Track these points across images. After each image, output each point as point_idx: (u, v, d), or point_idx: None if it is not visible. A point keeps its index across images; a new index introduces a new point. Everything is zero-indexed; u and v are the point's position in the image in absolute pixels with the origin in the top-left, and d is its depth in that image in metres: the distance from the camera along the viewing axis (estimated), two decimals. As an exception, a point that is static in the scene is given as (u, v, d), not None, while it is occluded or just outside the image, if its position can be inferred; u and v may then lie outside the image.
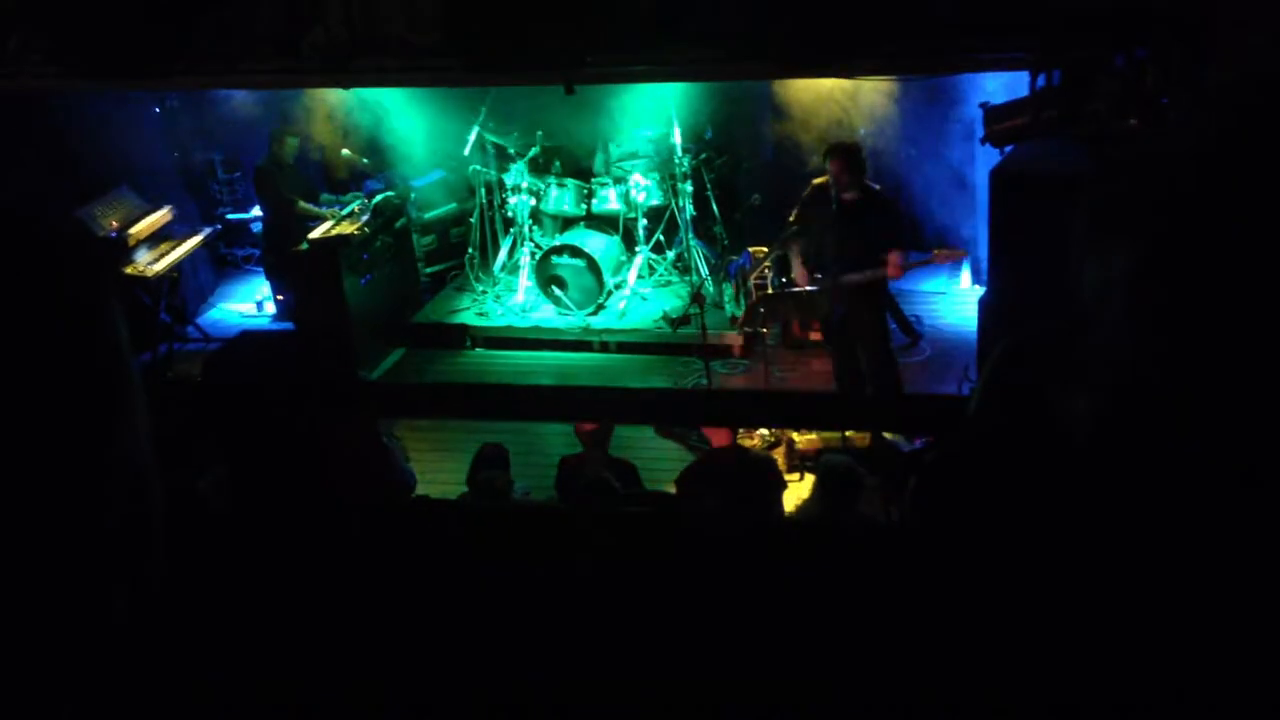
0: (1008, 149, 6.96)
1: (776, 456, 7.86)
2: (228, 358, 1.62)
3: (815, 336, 9.26)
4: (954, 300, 10.07)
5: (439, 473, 7.24)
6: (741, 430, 8.20)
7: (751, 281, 8.50)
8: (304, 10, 6.65)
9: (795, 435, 7.95)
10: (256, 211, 11.17)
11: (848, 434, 7.78)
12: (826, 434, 7.92)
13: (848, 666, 1.24)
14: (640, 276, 10.31)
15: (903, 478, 6.71)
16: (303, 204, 10.25)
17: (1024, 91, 6.61)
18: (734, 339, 9.53)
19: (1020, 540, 0.83)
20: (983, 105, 6.65)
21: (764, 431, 8.19)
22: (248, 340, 1.72)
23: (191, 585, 1.18)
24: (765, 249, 8.34)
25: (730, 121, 10.75)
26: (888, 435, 7.52)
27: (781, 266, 8.28)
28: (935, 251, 7.53)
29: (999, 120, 6.34)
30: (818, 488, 6.16)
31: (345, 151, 10.79)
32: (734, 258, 8.89)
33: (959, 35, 6.02)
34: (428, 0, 6.74)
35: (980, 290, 9.82)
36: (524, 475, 7.10)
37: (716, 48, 6.39)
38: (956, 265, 9.88)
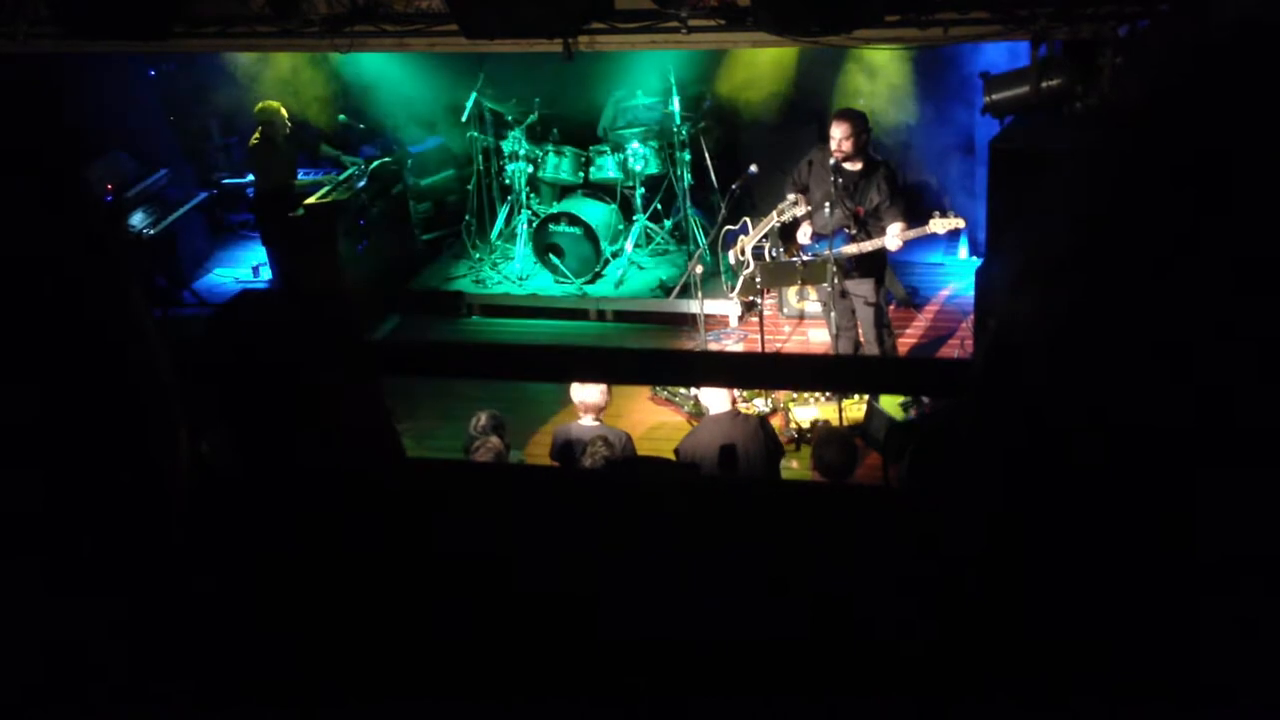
0: (1008, 119, 6.93)
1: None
2: (228, 317, 1.62)
3: (813, 305, 9.26)
4: (952, 271, 10.07)
5: (437, 439, 7.26)
6: (737, 399, 8.22)
7: (749, 250, 8.48)
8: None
9: (791, 405, 7.97)
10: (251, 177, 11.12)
11: (844, 404, 7.80)
12: (822, 406, 7.93)
13: (844, 630, 1.25)
14: (637, 245, 10.30)
15: (900, 446, 6.74)
16: (299, 180, 10.19)
17: (1026, 61, 6.58)
18: (731, 308, 9.54)
19: (1013, 510, 0.83)
20: (983, 75, 6.62)
21: (760, 403, 8.21)
22: (248, 300, 1.71)
23: (201, 550, 1.19)
24: (764, 218, 8.32)
25: (728, 87, 10.70)
26: (884, 405, 7.53)
27: (779, 235, 8.27)
28: (934, 220, 7.50)
29: (999, 90, 6.31)
30: (814, 456, 6.18)
31: (342, 117, 10.75)
32: (731, 227, 8.88)
33: (961, 6, 5.98)
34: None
35: (978, 262, 9.83)
36: (519, 444, 7.12)
37: (715, 16, 6.36)
38: (955, 236, 9.87)
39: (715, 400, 6.66)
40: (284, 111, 10.05)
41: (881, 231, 7.63)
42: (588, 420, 6.66)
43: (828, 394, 7.97)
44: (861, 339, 8.16)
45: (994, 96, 6.28)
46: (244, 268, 11.24)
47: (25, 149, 0.82)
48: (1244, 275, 0.69)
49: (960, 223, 7.52)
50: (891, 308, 8.67)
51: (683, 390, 8.31)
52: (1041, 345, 0.81)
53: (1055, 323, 0.80)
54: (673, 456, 6.47)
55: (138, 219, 9.79)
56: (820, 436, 6.30)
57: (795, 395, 8.01)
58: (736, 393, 7.73)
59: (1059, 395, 0.79)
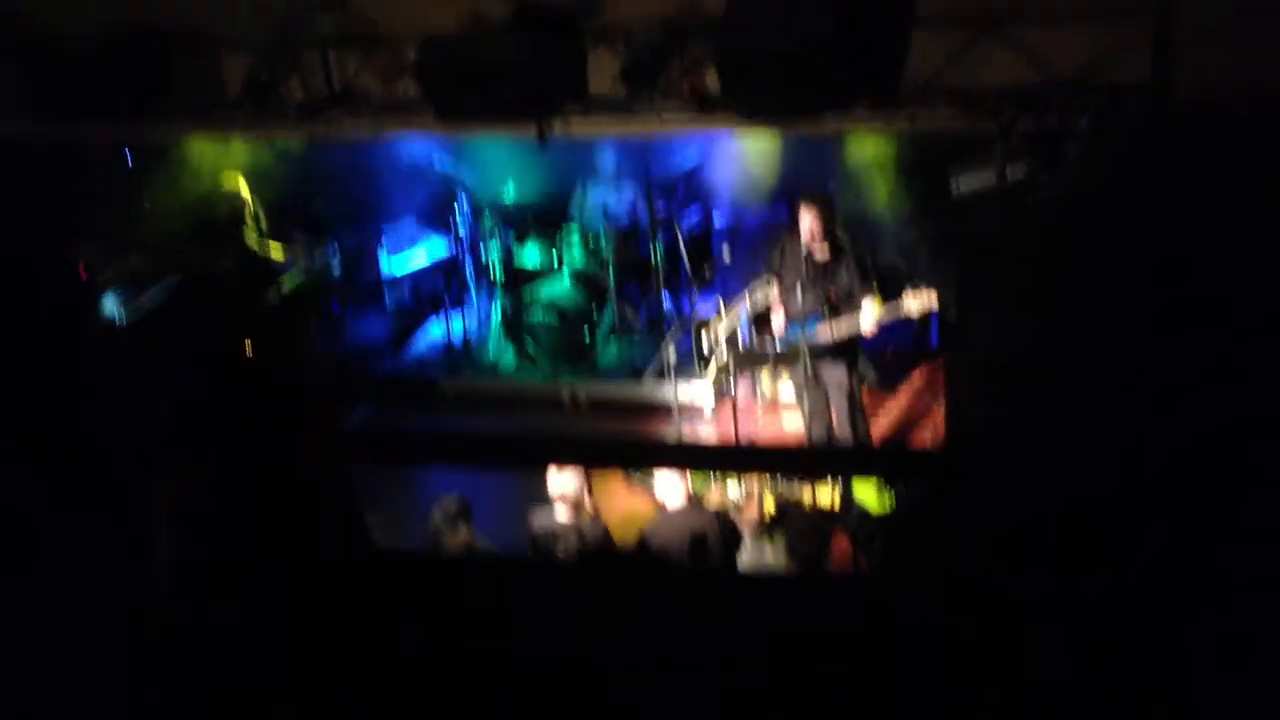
0: (975, 206, 7.02)
1: (745, 513, 7.84)
2: (200, 405, 1.61)
3: (786, 390, 9.28)
4: (924, 356, 10.11)
5: (406, 527, 7.16)
6: (711, 488, 8.19)
7: (722, 335, 8.52)
8: (280, 63, 6.69)
9: (766, 492, 7.94)
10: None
11: (816, 492, 7.77)
12: (795, 493, 7.91)
13: (821, 711, 1.22)
14: (610, 329, 10.31)
15: (872, 532, 6.72)
16: (274, 245, 10.24)
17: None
18: (704, 392, 9.53)
19: (983, 586, 0.82)
20: (950, 166, 6.72)
21: (733, 492, 8.17)
22: (221, 388, 1.71)
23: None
24: (736, 303, 8.38)
25: (702, 174, 10.84)
26: (857, 490, 7.51)
27: (752, 320, 8.31)
28: (906, 299, 7.56)
29: (964, 179, 6.39)
30: (786, 542, 6.16)
31: (317, 199, 10.79)
32: (704, 312, 8.94)
33: (928, 97, 6.10)
34: (402, 53, 6.80)
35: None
36: (490, 531, 7.04)
37: (686, 103, 6.45)
38: (928, 320, 9.94)
39: (670, 493, 6.64)
40: (244, 184, 10.14)
41: (854, 315, 7.69)
42: (562, 510, 6.60)
43: (800, 478, 7.95)
44: (835, 424, 8.16)
45: (960, 185, 6.37)
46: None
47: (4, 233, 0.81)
48: (1199, 365, 0.69)
49: (933, 300, 7.57)
50: (865, 392, 8.69)
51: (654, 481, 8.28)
52: (1005, 432, 0.81)
53: (1018, 411, 0.79)
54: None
55: (109, 304, 9.74)
56: (792, 523, 6.27)
57: (767, 479, 7.98)
58: (697, 480, 7.74)
59: (1023, 481, 0.78)
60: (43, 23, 7.09)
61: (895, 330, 9.38)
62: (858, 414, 8.18)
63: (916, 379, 9.69)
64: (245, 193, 10.22)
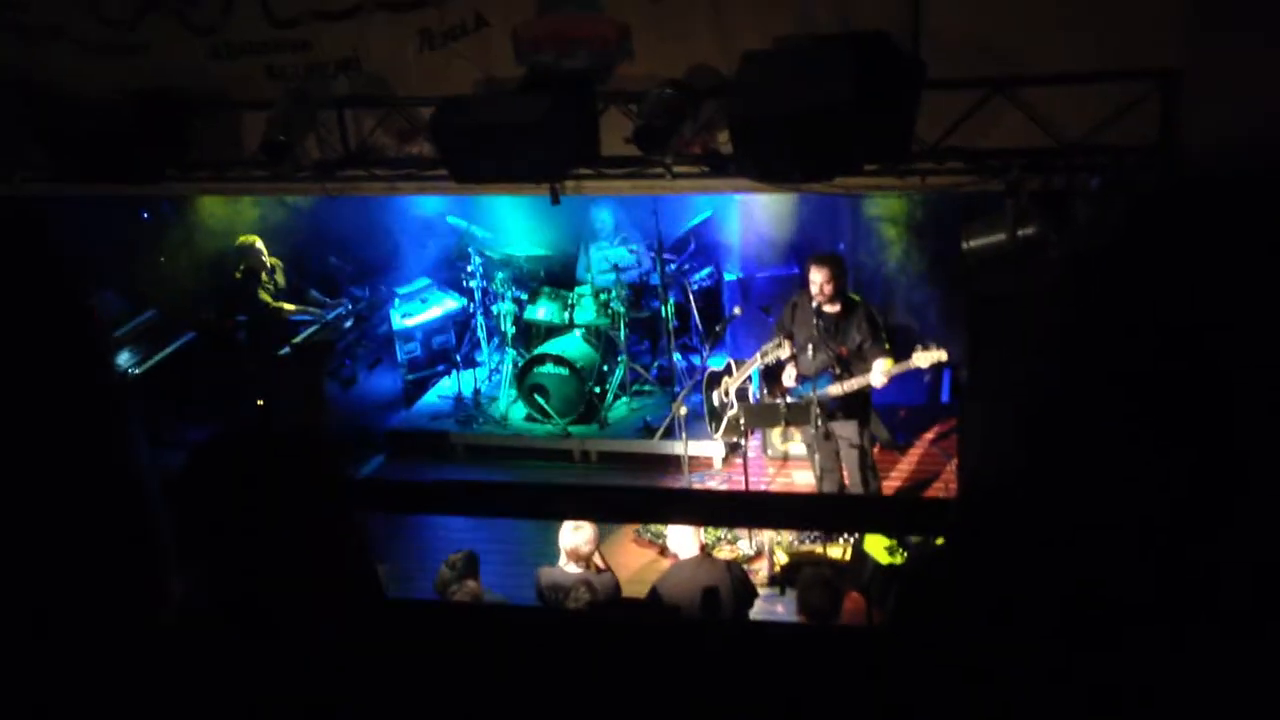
0: (985, 265, 7.05)
1: (756, 568, 7.81)
2: (205, 457, 1.62)
3: (797, 447, 9.27)
4: (935, 414, 10.11)
5: (417, 579, 7.15)
6: (722, 541, 8.17)
7: (733, 392, 8.53)
8: (297, 123, 6.77)
9: (777, 547, 7.92)
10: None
11: (829, 547, 7.75)
12: (806, 547, 7.88)
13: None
14: (621, 386, 10.34)
15: (885, 589, 6.68)
16: (287, 305, 10.33)
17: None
18: (715, 449, 9.53)
19: (1001, 643, 0.84)
20: (961, 224, 6.76)
21: (744, 546, 8.15)
22: (229, 439, 1.72)
23: (170, 687, 1.17)
24: (747, 360, 8.40)
25: (713, 231, 10.92)
26: (869, 547, 7.48)
27: (763, 377, 8.33)
28: (917, 354, 7.57)
29: (976, 237, 6.43)
30: (798, 599, 6.12)
31: (332, 259, 10.91)
32: (715, 368, 8.96)
33: (937, 156, 6.15)
34: (417, 114, 6.89)
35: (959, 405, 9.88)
36: (500, 585, 7.03)
37: (699, 162, 6.52)
38: (938, 377, 9.95)
39: (684, 544, 6.64)
40: (260, 244, 10.28)
41: (866, 371, 7.70)
42: (572, 566, 6.59)
43: (812, 535, 7.93)
44: (846, 481, 8.15)
45: (971, 243, 6.40)
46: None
47: (29, 290, 0.85)
48: (1209, 428, 0.71)
49: (943, 355, 7.57)
50: (876, 450, 8.68)
51: (666, 532, 8.27)
52: (1017, 491, 0.82)
53: (1029, 470, 0.81)
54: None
55: (124, 358, 9.82)
56: (804, 579, 6.24)
57: (779, 536, 7.96)
58: (709, 534, 7.72)
59: (1038, 539, 0.80)
60: (61, 86, 7.21)
61: (908, 389, 9.40)
62: (869, 471, 8.17)
63: (928, 438, 9.68)
64: (262, 250, 10.36)
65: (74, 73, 7.25)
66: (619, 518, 6.92)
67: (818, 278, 7.67)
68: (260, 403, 10.48)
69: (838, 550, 7.73)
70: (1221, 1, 5.45)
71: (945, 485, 8.73)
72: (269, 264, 10.42)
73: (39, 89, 7.24)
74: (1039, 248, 6.10)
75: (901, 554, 7.19)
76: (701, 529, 6.90)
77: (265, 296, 10.36)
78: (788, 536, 7.92)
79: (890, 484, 8.91)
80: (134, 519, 0.84)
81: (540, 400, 10.00)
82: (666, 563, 8.00)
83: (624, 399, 10.31)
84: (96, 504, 0.80)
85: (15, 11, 7.30)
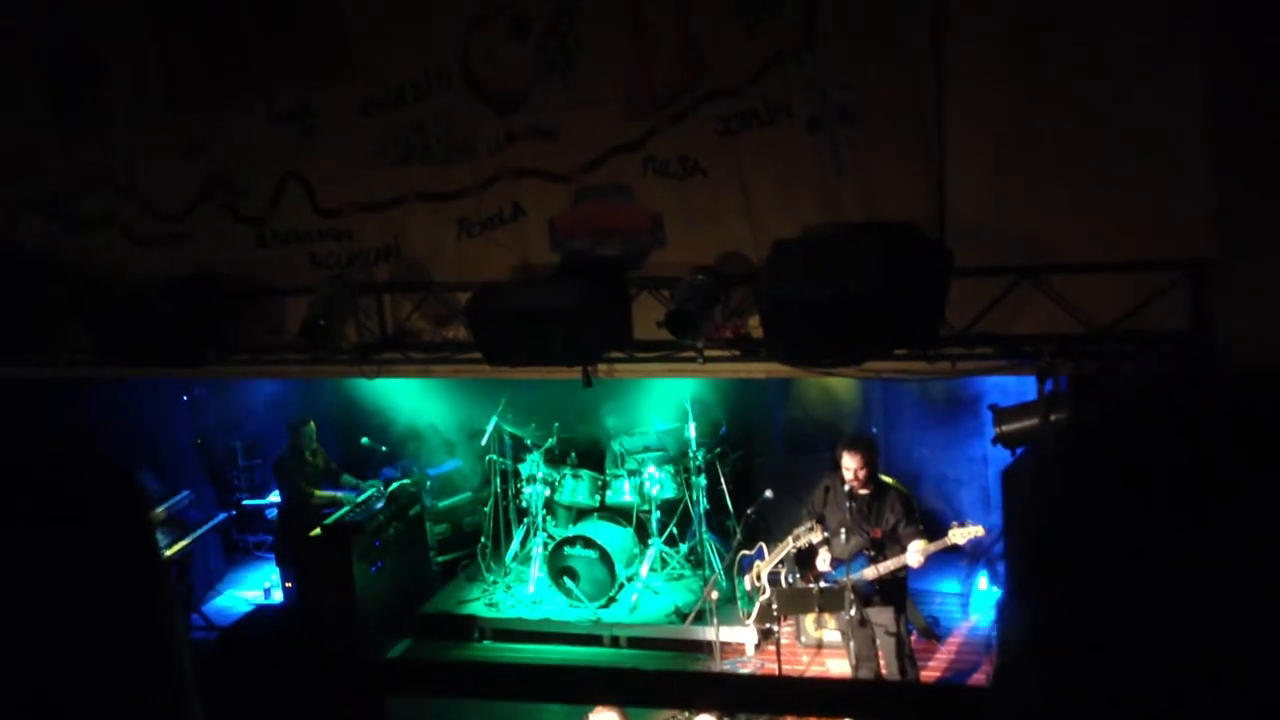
0: (1019, 450, 7.01)
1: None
2: (234, 641, 1.61)
3: (831, 634, 9.05)
4: (973, 602, 9.90)
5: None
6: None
7: (765, 577, 8.40)
8: (337, 307, 6.89)
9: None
10: (274, 497, 11.25)
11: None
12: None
13: None
14: (653, 569, 10.21)
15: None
16: (318, 493, 10.35)
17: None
18: (747, 635, 9.33)
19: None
20: (992, 407, 6.75)
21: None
22: (254, 624, 1.71)
23: None
24: (779, 544, 8.30)
25: (745, 414, 10.94)
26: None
27: (796, 561, 8.21)
28: (953, 530, 7.46)
29: (1009, 422, 6.42)
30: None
31: (365, 440, 11.00)
32: (747, 552, 8.85)
33: (968, 341, 6.17)
34: (454, 298, 7.02)
35: (998, 593, 9.67)
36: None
37: (730, 346, 6.58)
38: (975, 566, 9.77)
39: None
40: (312, 426, 10.39)
41: (900, 553, 7.58)
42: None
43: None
44: (884, 669, 7.92)
45: (1004, 428, 6.39)
46: (256, 587, 11.17)
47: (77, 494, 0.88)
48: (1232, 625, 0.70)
49: (980, 530, 7.46)
50: (913, 638, 8.47)
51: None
52: (1047, 677, 0.81)
53: (1073, 653, 0.80)
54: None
55: (157, 540, 9.85)
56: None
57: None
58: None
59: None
60: (107, 272, 7.40)
61: (945, 575, 9.22)
62: (907, 660, 7.94)
63: (968, 625, 9.45)
64: (313, 436, 10.45)
65: (120, 259, 7.44)
66: (649, 702, 6.74)
67: (851, 463, 7.63)
68: (289, 585, 10.42)
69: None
70: (1257, 193, 5.44)
71: (985, 677, 8.46)
72: (314, 448, 10.51)
73: (84, 274, 7.43)
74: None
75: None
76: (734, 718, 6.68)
77: (301, 484, 10.41)
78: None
79: (929, 674, 8.66)
80: (175, 708, 0.85)
81: (570, 583, 9.88)
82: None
83: (655, 581, 10.17)
84: (142, 691, 0.81)
85: (66, 202, 7.55)
